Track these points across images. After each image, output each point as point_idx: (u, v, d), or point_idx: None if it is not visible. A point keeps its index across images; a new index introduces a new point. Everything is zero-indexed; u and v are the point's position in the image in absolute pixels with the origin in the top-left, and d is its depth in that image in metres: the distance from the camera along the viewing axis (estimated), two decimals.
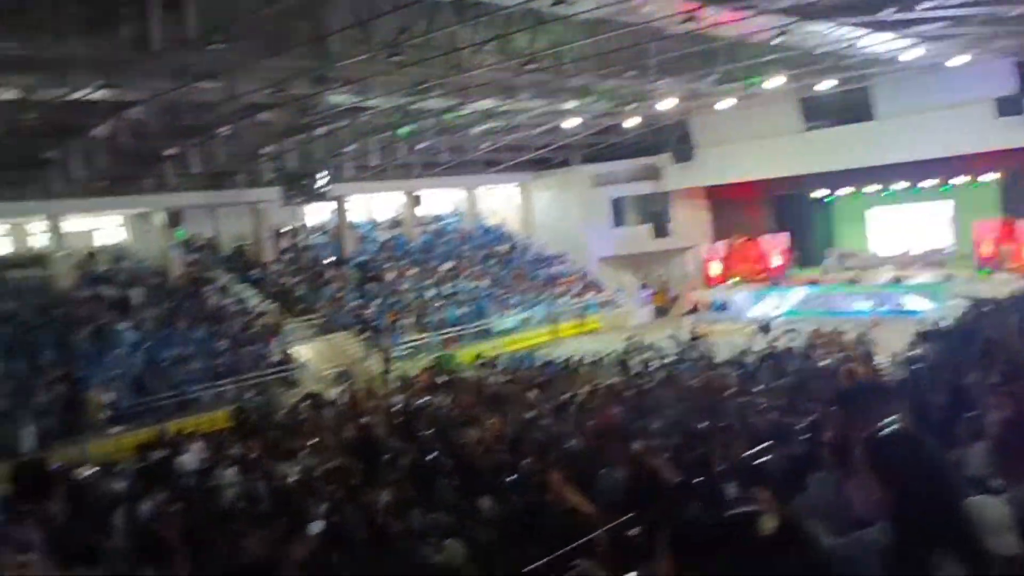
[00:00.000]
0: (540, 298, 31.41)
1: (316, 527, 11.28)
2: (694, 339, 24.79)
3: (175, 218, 26.97)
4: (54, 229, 25.08)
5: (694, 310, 32.06)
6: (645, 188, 35.59)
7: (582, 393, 19.23)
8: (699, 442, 8.75)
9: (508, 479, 13.91)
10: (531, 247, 36.06)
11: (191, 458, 17.12)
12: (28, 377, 19.82)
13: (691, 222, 35.82)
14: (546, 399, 19.68)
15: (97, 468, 16.48)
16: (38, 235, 27.22)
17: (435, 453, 15.99)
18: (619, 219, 36.45)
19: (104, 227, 29.74)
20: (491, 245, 35.37)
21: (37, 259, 26.45)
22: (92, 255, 27.81)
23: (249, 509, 13.69)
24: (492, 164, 35.22)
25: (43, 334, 21.83)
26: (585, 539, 5.77)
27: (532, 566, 7.75)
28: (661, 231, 35.65)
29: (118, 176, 25.38)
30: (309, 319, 26.63)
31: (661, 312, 34.09)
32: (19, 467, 16.27)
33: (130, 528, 13.05)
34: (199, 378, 21.55)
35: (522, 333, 29.10)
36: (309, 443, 17.70)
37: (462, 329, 28.01)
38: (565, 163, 36.25)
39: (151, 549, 12.35)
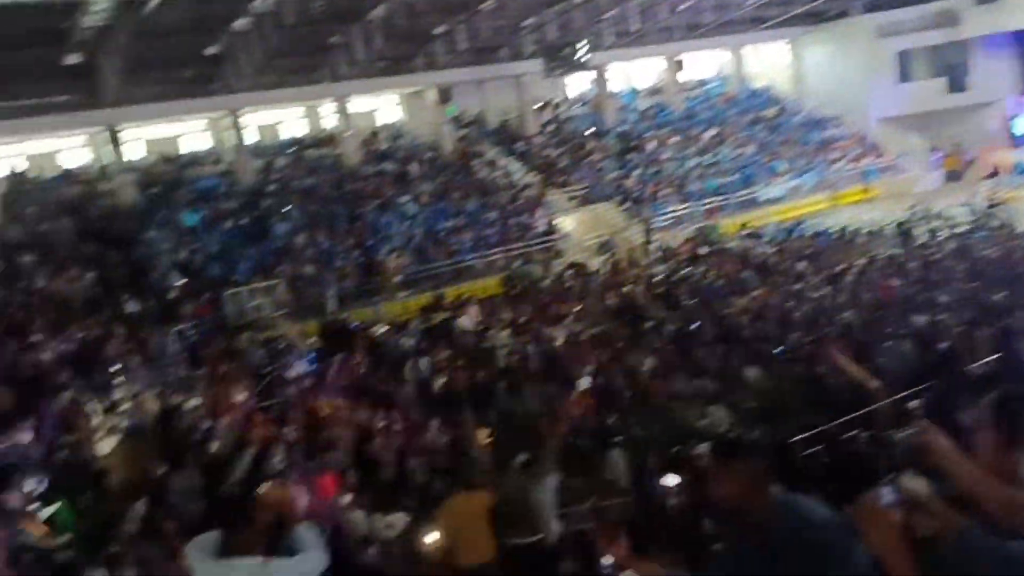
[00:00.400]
0: (811, 164, 29.42)
1: (584, 384, 11.79)
2: (992, 206, 22.16)
3: (445, 95, 28.19)
4: (341, 110, 27.24)
5: (994, 174, 28.43)
6: (938, 37, 31.39)
7: (858, 264, 18.10)
8: (999, 317, 7.92)
9: (774, 350, 13.62)
10: (802, 110, 33.56)
11: (468, 320, 18.48)
12: (328, 247, 22.17)
13: (994, 73, 31.25)
14: (817, 270, 18.80)
15: (388, 327, 18.35)
16: (328, 117, 29.77)
17: (698, 322, 15.99)
18: (905, 74, 32.67)
19: (383, 107, 31.86)
20: (758, 109, 33.37)
21: (328, 139, 29.05)
22: (375, 133, 30.01)
23: (522, 367, 14.62)
24: (759, 21, 32.76)
25: (337, 208, 24.17)
26: (865, 411, 5.54)
27: (803, 435, 7.61)
28: (956, 85, 31.55)
29: (394, 56, 26.91)
30: (571, 190, 27.06)
31: (952, 177, 30.60)
32: (326, 325, 18.59)
33: (419, 379, 14.50)
34: (472, 247, 22.90)
35: (791, 202, 27.57)
36: (574, 309, 18.41)
37: (725, 198, 27.08)
38: (843, 14, 32.84)
39: (437, 398, 13.67)
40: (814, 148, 30.61)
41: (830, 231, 22.91)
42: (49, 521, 6.56)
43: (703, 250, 22.34)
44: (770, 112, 33.20)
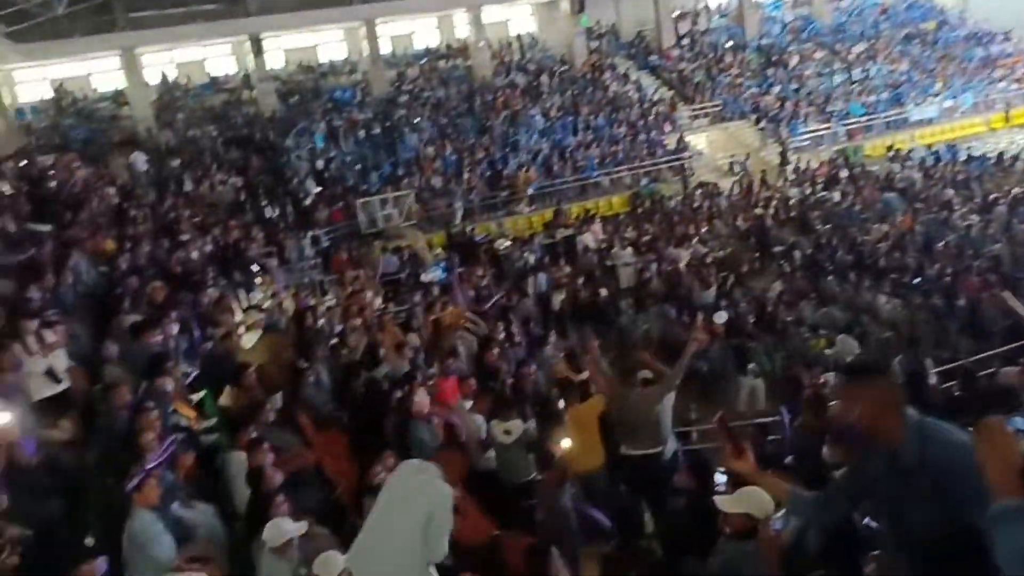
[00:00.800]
0: (971, 83, 27.13)
1: (721, 318, 11.58)
2: None
3: (579, 5, 27.41)
4: (474, 20, 27.01)
5: None
6: None
7: (1015, 193, 16.82)
8: None
9: (912, 280, 12.99)
10: (966, 22, 30.82)
11: (591, 238, 18.43)
12: (457, 159, 22.30)
13: None
14: (968, 198, 17.63)
15: (512, 241, 18.54)
16: (461, 27, 29.61)
17: (832, 248, 15.38)
18: None
19: (516, 17, 31.37)
20: (915, 22, 30.86)
21: (460, 49, 28.97)
22: (508, 44, 29.68)
23: (643, 287, 14.54)
24: None
25: (467, 119, 24.23)
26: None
27: (937, 369, 7.31)
28: None
29: None
30: (704, 107, 26.09)
31: None
32: (452, 236, 18.93)
33: (539, 293, 14.69)
34: (599, 163, 22.56)
35: (944, 123, 25.63)
36: (701, 230, 18.04)
37: (871, 118, 25.44)
38: None
39: (556, 313, 13.82)
40: (976, 65, 28.17)
41: (986, 156, 21.29)
42: (197, 406, 7.11)
43: (843, 173, 21.28)
44: (929, 25, 30.66)
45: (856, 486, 2.59)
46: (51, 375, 6.62)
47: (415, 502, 3.66)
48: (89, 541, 4.68)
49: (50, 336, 6.80)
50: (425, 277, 15.45)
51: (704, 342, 8.05)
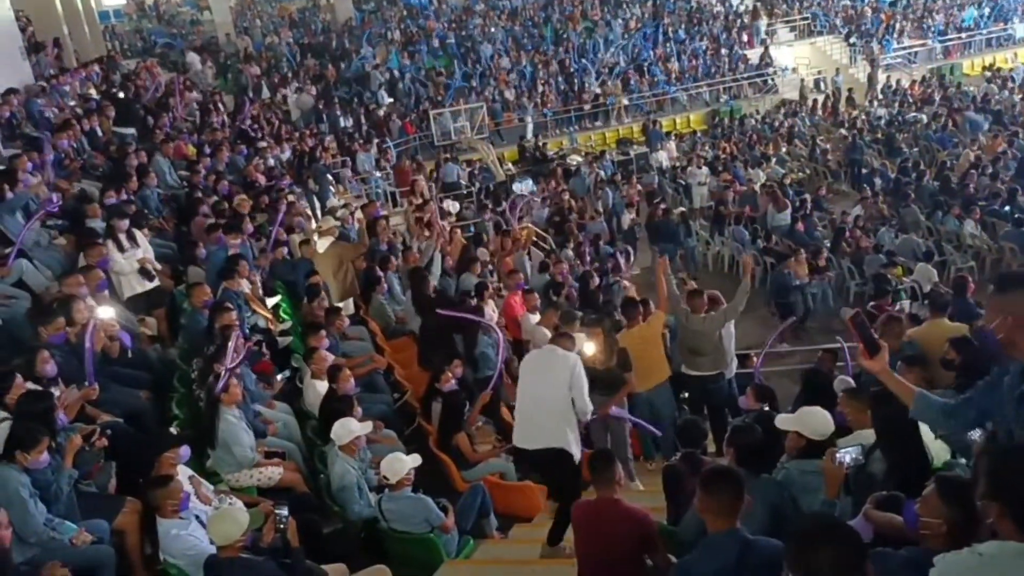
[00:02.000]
0: None
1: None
2: None
3: None
4: None
5: None
6: None
7: None
8: None
9: (1004, 208, 12.42)
10: None
11: (664, 156, 18.08)
12: (531, 71, 21.87)
13: None
14: None
15: (584, 156, 18.33)
16: None
17: (918, 172, 14.76)
18: None
19: None
20: None
21: None
22: None
23: (716, 208, 14.25)
24: None
25: (542, 30, 23.63)
26: None
27: None
28: None
29: None
30: (791, 20, 24.90)
31: None
32: (523, 149, 18.79)
33: (609, 210, 14.57)
34: (676, 79, 21.84)
35: None
36: (780, 150, 17.52)
37: (972, 35, 23.95)
38: None
39: (625, 231, 13.73)
40: None
41: None
42: (274, 309, 7.35)
43: (938, 93, 20.25)
44: None
45: (985, 400, 2.53)
46: (145, 273, 6.89)
47: (556, 371, 4.54)
48: (173, 430, 4.96)
49: (140, 236, 7.05)
50: (517, 187, 15.68)
51: (752, 268, 7.82)
